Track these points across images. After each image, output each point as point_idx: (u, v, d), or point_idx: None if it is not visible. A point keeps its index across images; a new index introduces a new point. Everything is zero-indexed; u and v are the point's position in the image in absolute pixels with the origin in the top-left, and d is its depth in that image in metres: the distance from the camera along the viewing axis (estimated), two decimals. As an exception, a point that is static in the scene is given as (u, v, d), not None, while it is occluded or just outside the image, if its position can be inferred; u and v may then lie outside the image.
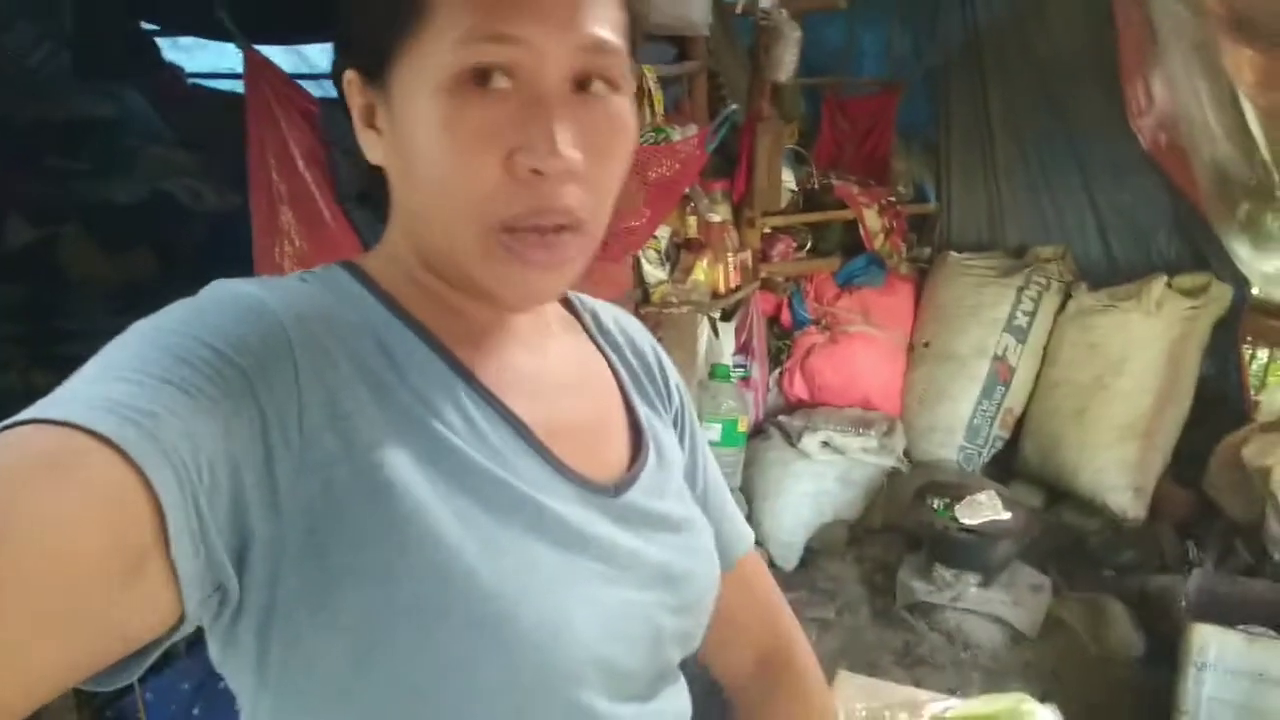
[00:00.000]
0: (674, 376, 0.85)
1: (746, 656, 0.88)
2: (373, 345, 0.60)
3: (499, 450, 0.62)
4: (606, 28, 0.59)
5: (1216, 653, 2.02)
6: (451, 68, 0.56)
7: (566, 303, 0.80)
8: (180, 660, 2.04)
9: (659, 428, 0.79)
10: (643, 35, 0.66)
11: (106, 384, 0.49)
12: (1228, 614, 2.08)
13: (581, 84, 0.59)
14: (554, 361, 0.72)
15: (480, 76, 0.57)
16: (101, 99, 3.69)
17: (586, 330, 0.79)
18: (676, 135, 2.37)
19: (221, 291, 0.58)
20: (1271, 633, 2.02)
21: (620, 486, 0.70)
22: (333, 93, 0.67)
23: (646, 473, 0.73)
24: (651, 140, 2.30)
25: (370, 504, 0.55)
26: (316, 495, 0.54)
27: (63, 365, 0.52)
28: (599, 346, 0.79)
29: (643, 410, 0.78)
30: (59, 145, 3.46)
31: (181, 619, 0.48)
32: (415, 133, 0.59)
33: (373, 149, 0.64)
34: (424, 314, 0.65)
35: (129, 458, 0.45)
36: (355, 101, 0.63)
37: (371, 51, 0.61)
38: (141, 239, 3.49)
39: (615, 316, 0.84)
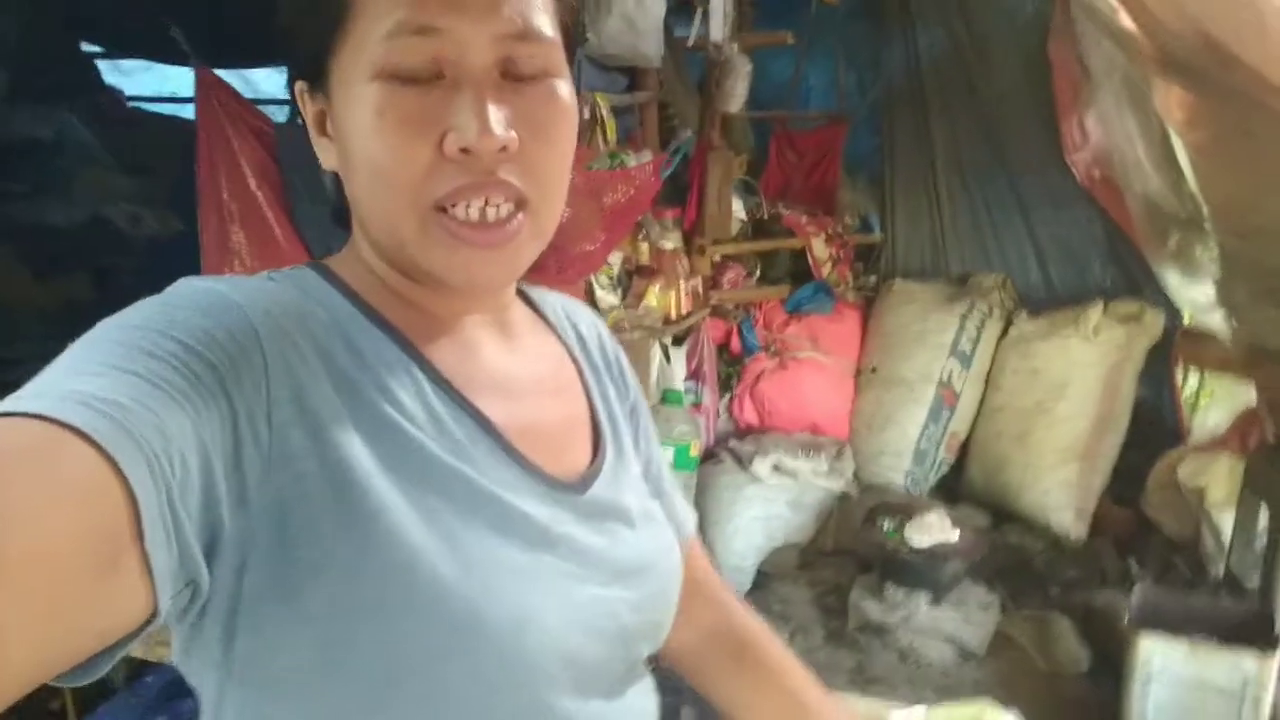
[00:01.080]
0: (627, 366, 0.87)
1: (688, 634, 0.87)
2: (341, 343, 0.61)
3: (465, 449, 0.63)
4: (531, 14, 0.60)
5: (1161, 662, 2.07)
6: (380, 60, 0.58)
7: (528, 301, 0.80)
8: (119, 695, 1.96)
9: (619, 420, 0.80)
10: (581, 33, 0.68)
11: (77, 378, 0.48)
12: (1170, 626, 2.13)
13: (513, 71, 0.60)
14: (524, 362, 0.73)
15: (409, 66, 0.58)
16: (38, 121, 3.61)
17: (551, 327, 0.80)
18: (632, 161, 2.40)
19: (188, 288, 0.58)
20: (1213, 640, 2.07)
21: (585, 482, 0.71)
22: (283, 118, 0.68)
23: (607, 467, 0.74)
24: (607, 165, 2.33)
25: (336, 500, 0.56)
26: (285, 490, 0.54)
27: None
28: (563, 341, 0.80)
29: (602, 405, 0.79)
30: (-7, 166, 3.38)
31: (154, 614, 0.48)
32: (352, 125, 0.60)
33: (327, 155, 0.65)
34: (391, 313, 0.65)
35: (103, 450, 0.44)
36: (307, 110, 0.65)
37: (310, 57, 0.63)
38: (78, 264, 3.41)
39: (567, 307, 0.84)
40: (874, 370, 3.55)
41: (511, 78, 0.60)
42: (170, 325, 0.53)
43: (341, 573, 0.55)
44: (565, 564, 0.65)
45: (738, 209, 3.57)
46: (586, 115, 2.75)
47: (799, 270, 3.69)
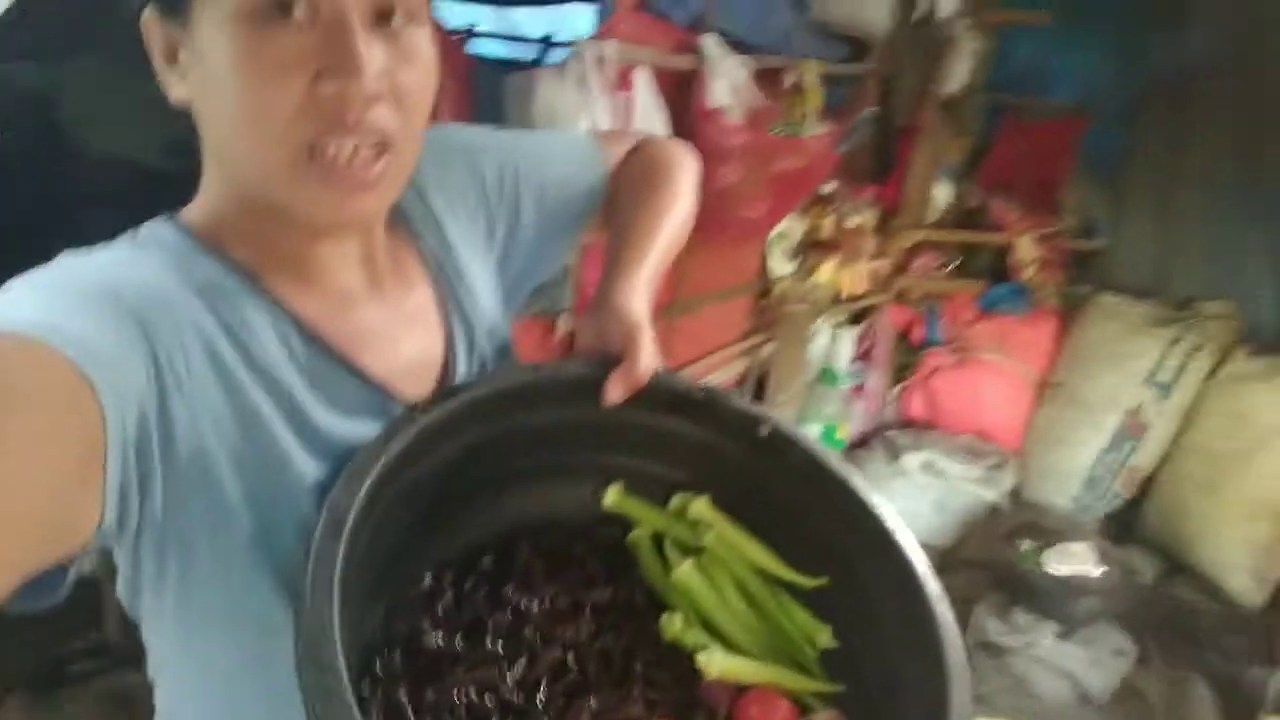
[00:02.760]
0: (498, 160, 0.86)
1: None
2: (227, 313, 0.63)
3: (341, 401, 0.68)
4: None
5: (1282, 755, 1.88)
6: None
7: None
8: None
9: (472, 284, 0.81)
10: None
11: (30, 310, 0.53)
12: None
13: (382, 17, 0.61)
14: (392, 306, 0.75)
15: (281, 7, 0.57)
16: None
17: (413, 232, 0.79)
18: (807, 131, 2.37)
19: (65, 274, 0.60)
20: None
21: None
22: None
23: (460, 365, 0.78)
24: (780, 132, 2.31)
25: (248, 446, 0.62)
26: (205, 437, 0.60)
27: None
28: (421, 241, 0.79)
29: (451, 295, 0.79)
30: None
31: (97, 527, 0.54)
32: (219, 62, 0.59)
33: (176, 87, 0.64)
34: (257, 264, 0.67)
35: (82, 372, 0.50)
36: (155, 39, 0.63)
37: None
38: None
39: (419, 177, 0.78)
40: (1058, 385, 3.32)
41: (382, 24, 0.61)
42: (59, 319, 0.54)
43: (247, 510, 0.62)
44: None
45: (943, 194, 3.42)
46: (789, 83, 2.73)
47: (1001, 267, 3.48)
